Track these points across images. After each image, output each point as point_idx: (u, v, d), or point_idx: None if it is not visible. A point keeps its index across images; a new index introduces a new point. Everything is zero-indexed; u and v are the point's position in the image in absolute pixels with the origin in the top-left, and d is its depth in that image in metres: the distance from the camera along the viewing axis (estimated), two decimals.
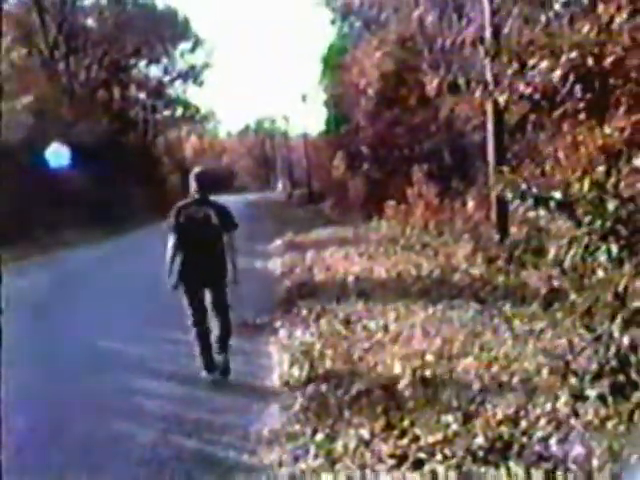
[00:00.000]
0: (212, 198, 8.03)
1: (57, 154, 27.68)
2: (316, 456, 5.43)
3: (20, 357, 7.92)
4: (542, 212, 4.71)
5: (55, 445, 6.13)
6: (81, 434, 6.35)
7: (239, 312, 9.54)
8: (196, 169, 8.24)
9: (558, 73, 4.97)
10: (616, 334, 4.70)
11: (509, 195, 4.92)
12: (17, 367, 7.47)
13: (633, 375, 4.68)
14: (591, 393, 4.96)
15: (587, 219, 4.42)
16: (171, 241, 7.70)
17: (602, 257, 4.54)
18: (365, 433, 5.63)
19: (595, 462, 4.61)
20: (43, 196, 26.24)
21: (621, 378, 4.70)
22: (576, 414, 5.17)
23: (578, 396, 5.05)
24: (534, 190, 4.55)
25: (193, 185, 7.86)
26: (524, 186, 4.61)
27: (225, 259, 7.79)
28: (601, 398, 4.83)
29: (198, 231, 7.69)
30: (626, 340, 4.61)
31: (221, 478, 5.34)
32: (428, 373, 6.92)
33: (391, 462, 5.08)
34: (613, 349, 4.71)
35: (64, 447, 6.09)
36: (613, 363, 4.76)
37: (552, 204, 4.50)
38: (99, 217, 29.17)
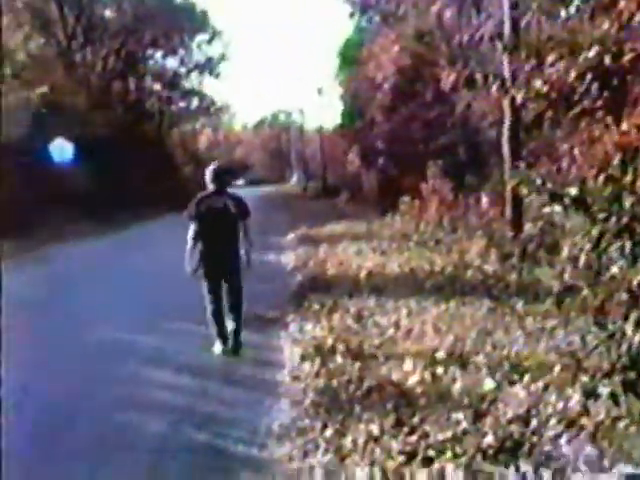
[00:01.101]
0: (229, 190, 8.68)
1: (61, 149, 27.73)
2: (326, 451, 5.41)
3: (22, 351, 7.98)
4: (557, 208, 4.67)
5: (65, 436, 6.16)
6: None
7: (251, 305, 9.64)
8: (212, 165, 8.80)
9: (574, 72, 4.93)
10: (629, 332, 4.66)
11: (524, 190, 4.88)
12: (20, 362, 7.54)
13: None
14: (603, 391, 4.93)
15: (602, 215, 4.38)
16: (192, 229, 8.32)
17: (615, 254, 4.51)
18: (375, 429, 5.62)
19: (606, 462, 4.59)
20: (53, 187, 26.22)
21: (632, 376, 4.67)
22: (587, 412, 5.14)
23: (590, 394, 5.02)
24: (549, 185, 4.51)
25: (210, 179, 8.47)
26: (539, 181, 4.57)
27: (239, 246, 8.48)
28: (613, 396, 4.80)
29: (217, 219, 8.32)
30: (638, 337, 4.58)
31: (230, 471, 5.34)
32: (439, 370, 6.89)
33: (400, 459, 5.06)
34: (625, 347, 4.67)
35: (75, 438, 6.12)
36: (625, 361, 4.73)
37: (567, 200, 4.47)
38: (113, 209, 29.21)
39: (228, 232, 8.37)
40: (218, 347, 8.47)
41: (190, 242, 8.33)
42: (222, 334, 8.48)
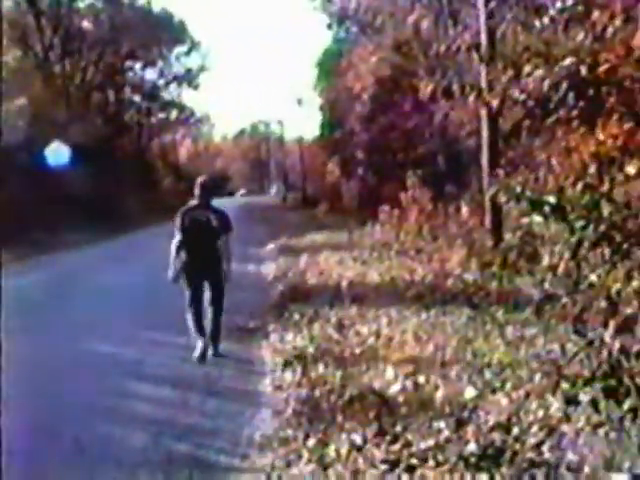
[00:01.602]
0: (213, 203, 9.16)
1: (57, 152, 27.71)
2: (309, 461, 5.41)
3: (16, 358, 7.92)
4: (536, 218, 4.71)
5: (47, 447, 6.12)
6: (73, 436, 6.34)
7: (232, 316, 9.74)
8: (200, 178, 9.38)
9: (550, 81, 4.99)
10: (607, 339, 4.71)
11: (503, 197, 4.92)
12: (13, 367, 7.48)
13: (625, 380, 4.69)
14: (583, 398, 4.97)
15: (580, 224, 4.43)
16: (176, 239, 8.82)
17: (594, 262, 4.55)
18: (357, 438, 5.63)
19: (587, 469, 4.62)
20: (37, 198, 26.13)
21: (613, 382, 4.71)
22: (568, 419, 5.19)
23: (570, 401, 5.06)
24: (528, 193, 4.56)
25: (197, 191, 8.97)
26: (518, 189, 4.61)
27: (221, 257, 8.84)
28: (593, 402, 4.84)
29: (200, 232, 8.77)
30: (617, 344, 4.62)
31: None
32: (421, 379, 6.92)
33: (383, 467, 5.07)
34: (605, 354, 4.71)
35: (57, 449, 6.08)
36: (605, 368, 4.77)
37: (546, 208, 4.51)
38: (93, 220, 29.05)
39: (210, 244, 8.76)
40: (198, 352, 8.62)
41: (174, 251, 8.79)
42: (200, 334, 8.73)
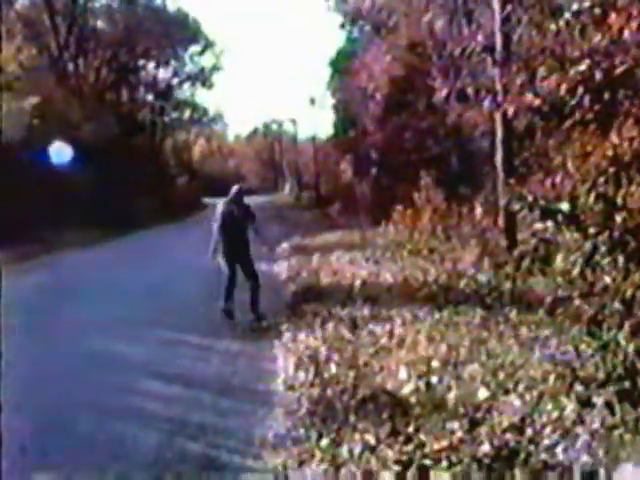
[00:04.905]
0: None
1: (60, 152, 27.85)
2: (322, 461, 5.43)
3: (20, 357, 7.97)
4: (549, 223, 4.70)
5: (58, 447, 6.16)
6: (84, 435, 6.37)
7: (245, 315, 9.85)
8: (236, 185, 12.07)
9: (565, 87, 4.96)
10: (622, 342, 4.70)
11: (516, 206, 4.91)
12: (17, 368, 7.53)
13: None
14: (597, 400, 4.96)
15: (594, 230, 4.41)
16: (215, 226, 11.15)
17: (609, 267, 4.54)
18: (371, 438, 5.63)
19: (602, 470, 4.61)
20: (50, 198, 26.19)
21: (628, 385, 4.70)
22: (582, 421, 5.17)
23: (585, 403, 5.05)
24: (541, 202, 4.54)
25: (233, 193, 11.49)
26: (531, 198, 4.60)
27: (249, 241, 11.29)
28: (608, 405, 4.83)
29: (231, 220, 11.11)
30: (632, 347, 4.61)
31: None
32: (434, 379, 6.91)
33: (397, 468, 5.08)
34: (620, 356, 4.70)
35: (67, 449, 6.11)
36: (620, 370, 4.75)
37: (559, 216, 4.50)
38: (107, 219, 29.12)
39: (238, 230, 11.13)
40: (221, 303, 10.81)
41: (214, 235, 11.07)
42: (228, 296, 10.89)
